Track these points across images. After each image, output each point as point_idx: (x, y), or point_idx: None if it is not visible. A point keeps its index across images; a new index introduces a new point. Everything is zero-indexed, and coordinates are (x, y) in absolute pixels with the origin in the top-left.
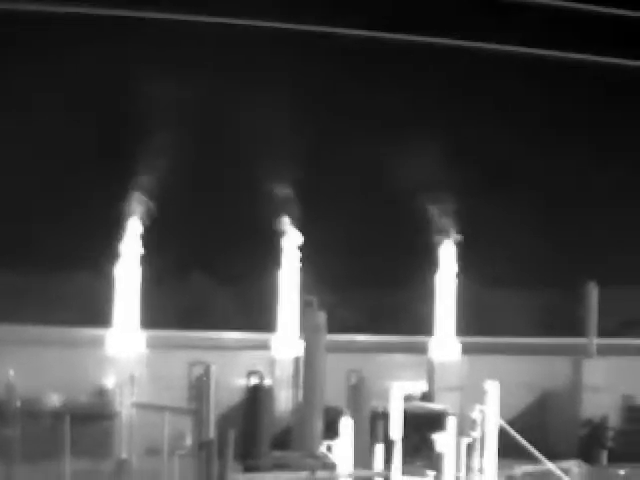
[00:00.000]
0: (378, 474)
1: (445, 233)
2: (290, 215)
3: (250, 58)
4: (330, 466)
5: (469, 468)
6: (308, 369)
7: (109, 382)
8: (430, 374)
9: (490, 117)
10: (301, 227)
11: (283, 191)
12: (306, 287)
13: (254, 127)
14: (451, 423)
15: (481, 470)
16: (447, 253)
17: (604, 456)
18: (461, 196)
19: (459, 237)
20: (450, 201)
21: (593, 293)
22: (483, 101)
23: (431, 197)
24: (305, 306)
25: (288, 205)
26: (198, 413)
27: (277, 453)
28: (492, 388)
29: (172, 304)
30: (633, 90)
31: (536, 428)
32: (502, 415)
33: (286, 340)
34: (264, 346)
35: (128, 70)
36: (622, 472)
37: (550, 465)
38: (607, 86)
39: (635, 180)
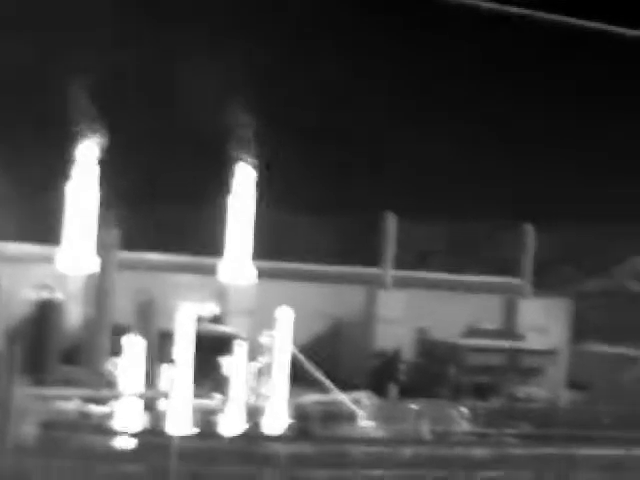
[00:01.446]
0: (161, 393)
1: (243, 156)
2: (89, 130)
3: None
4: (114, 384)
5: (258, 394)
6: (99, 286)
7: None
8: (222, 297)
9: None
10: (98, 143)
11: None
12: (102, 203)
13: None
14: (241, 347)
15: (270, 396)
16: (245, 176)
17: (396, 389)
18: (261, 120)
19: (258, 161)
20: (249, 125)
21: (391, 224)
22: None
23: (229, 122)
24: (99, 222)
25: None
26: None
27: (65, 368)
28: (284, 314)
29: None
30: None
31: (328, 357)
32: (294, 342)
33: (78, 256)
34: (55, 261)
35: None
36: (414, 406)
37: (340, 395)
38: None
39: (438, 115)
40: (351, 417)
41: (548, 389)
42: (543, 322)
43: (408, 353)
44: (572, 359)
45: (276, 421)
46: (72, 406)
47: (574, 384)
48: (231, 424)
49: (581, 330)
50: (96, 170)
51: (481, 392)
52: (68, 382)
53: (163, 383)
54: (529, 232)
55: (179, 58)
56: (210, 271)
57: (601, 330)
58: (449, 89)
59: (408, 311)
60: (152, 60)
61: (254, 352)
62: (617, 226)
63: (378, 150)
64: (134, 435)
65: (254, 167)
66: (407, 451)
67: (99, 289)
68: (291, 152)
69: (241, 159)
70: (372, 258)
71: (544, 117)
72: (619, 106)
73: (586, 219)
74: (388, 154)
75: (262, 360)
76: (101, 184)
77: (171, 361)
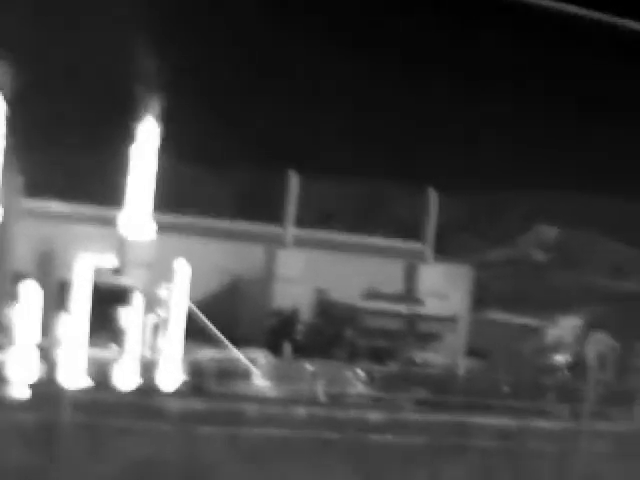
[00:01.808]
0: (56, 343)
1: (148, 106)
2: None
3: None
4: (10, 331)
5: (154, 348)
6: (2, 233)
7: None
8: (121, 248)
9: None
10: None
11: None
12: (5, 149)
13: None
14: (137, 299)
15: (165, 351)
16: (149, 127)
17: (292, 349)
18: (166, 71)
19: (162, 112)
20: (155, 75)
21: (293, 182)
22: None
23: (135, 71)
24: (3, 168)
25: None
26: None
27: None
28: (182, 268)
29: None
30: None
31: (225, 314)
32: (191, 298)
33: None
34: None
35: None
36: (310, 367)
37: (236, 353)
38: None
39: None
40: (246, 375)
41: (447, 356)
42: (443, 288)
43: (306, 313)
44: (472, 327)
45: (171, 376)
46: None
47: (473, 352)
48: (126, 377)
49: (483, 298)
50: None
51: (378, 355)
52: None
53: (59, 333)
54: (433, 196)
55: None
56: (111, 222)
57: (503, 299)
58: None
59: (307, 271)
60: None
61: (151, 305)
62: (522, 194)
63: (282, 106)
64: (28, 384)
65: (158, 118)
66: (301, 411)
67: (1, 236)
68: (196, 104)
69: (146, 109)
70: (274, 216)
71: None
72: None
73: (491, 186)
74: (292, 111)
75: (159, 314)
76: (4, 130)
77: (67, 311)
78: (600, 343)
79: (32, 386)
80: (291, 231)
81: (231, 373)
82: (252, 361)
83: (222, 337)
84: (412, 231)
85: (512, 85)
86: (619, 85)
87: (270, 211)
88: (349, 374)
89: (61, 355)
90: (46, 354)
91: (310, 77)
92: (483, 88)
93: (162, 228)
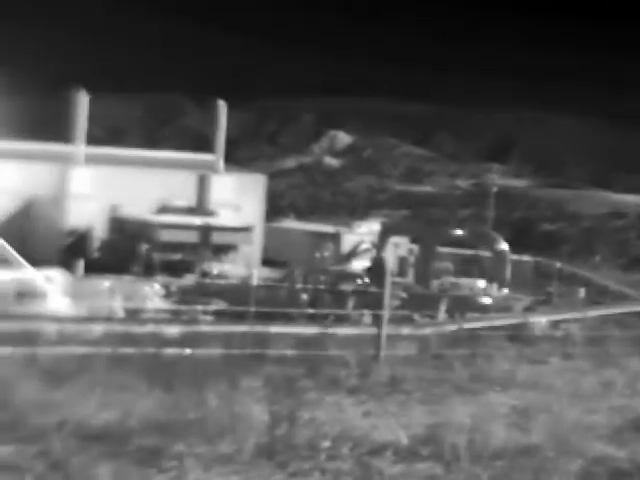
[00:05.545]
0: None
1: None
2: None
3: None
4: None
5: None
6: None
7: None
8: None
9: None
10: None
11: None
12: None
13: None
14: None
15: None
16: None
17: (87, 267)
18: None
19: None
20: None
21: (82, 100)
22: None
23: None
24: None
25: None
26: None
27: None
28: None
29: None
30: None
31: (20, 235)
32: None
33: None
34: None
35: None
36: (106, 284)
37: (32, 273)
38: None
39: None
40: (43, 295)
41: (243, 266)
42: (236, 199)
43: (100, 230)
44: (268, 236)
45: None
46: None
47: (270, 261)
48: None
49: (277, 207)
50: None
51: (174, 269)
52: None
53: None
54: (222, 107)
55: None
56: None
57: (298, 207)
58: None
59: (99, 188)
60: None
61: None
62: (313, 101)
63: (73, 25)
64: None
65: None
66: (98, 328)
67: None
68: None
69: None
70: (63, 135)
71: None
72: None
73: (281, 95)
74: (80, 29)
75: None
76: None
77: None
78: (399, 247)
79: None
80: (82, 149)
81: (28, 293)
82: (48, 280)
83: (18, 257)
84: (203, 143)
85: None
86: None
87: (60, 130)
88: (146, 289)
89: None
90: None
91: None
92: None
93: None
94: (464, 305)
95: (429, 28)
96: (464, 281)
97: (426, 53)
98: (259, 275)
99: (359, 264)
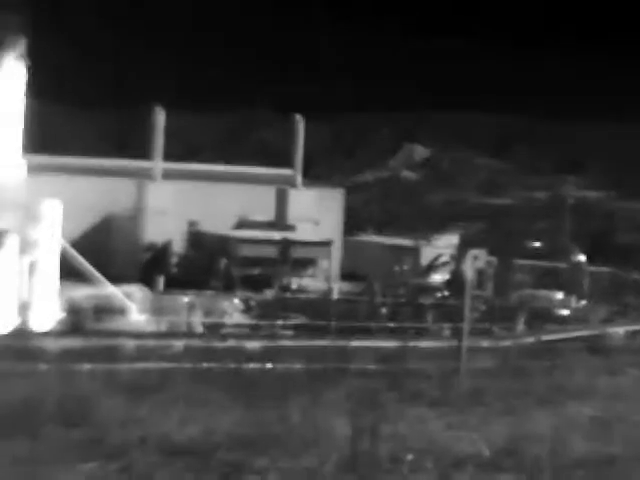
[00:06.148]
0: None
1: (13, 45)
2: None
3: None
4: None
5: (32, 289)
6: None
7: None
8: None
9: None
10: None
11: None
12: None
13: None
14: (11, 241)
15: (41, 291)
16: (15, 67)
17: (167, 282)
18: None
19: (29, 51)
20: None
21: (160, 117)
22: None
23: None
24: None
25: None
26: None
27: None
28: (53, 207)
29: None
30: None
31: (99, 251)
32: (65, 237)
33: None
34: None
35: None
36: (186, 299)
37: (112, 289)
38: None
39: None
40: (122, 311)
41: (322, 281)
42: (315, 213)
43: (179, 245)
44: (347, 250)
45: (48, 316)
46: None
47: (349, 276)
48: (3, 320)
49: (355, 221)
50: None
51: (254, 284)
52: None
53: None
54: (299, 122)
55: None
56: None
57: (376, 221)
58: None
59: (178, 203)
60: None
61: (25, 247)
62: (388, 115)
63: (152, 42)
64: None
65: (24, 58)
66: (179, 343)
67: None
68: (63, 43)
69: (8, 50)
70: (142, 151)
71: None
72: None
73: (355, 109)
74: (160, 47)
75: (33, 255)
76: None
77: None
78: (477, 260)
79: None
80: (160, 165)
81: (107, 309)
82: (128, 296)
83: (97, 274)
84: (280, 158)
85: None
86: None
87: (138, 147)
88: (225, 304)
89: None
90: None
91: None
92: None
93: (32, 169)
94: (542, 317)
95: (508, 38)
96: (542, 293)
97: (504, 64)
98: (338, 289)
99: (438, 277)
